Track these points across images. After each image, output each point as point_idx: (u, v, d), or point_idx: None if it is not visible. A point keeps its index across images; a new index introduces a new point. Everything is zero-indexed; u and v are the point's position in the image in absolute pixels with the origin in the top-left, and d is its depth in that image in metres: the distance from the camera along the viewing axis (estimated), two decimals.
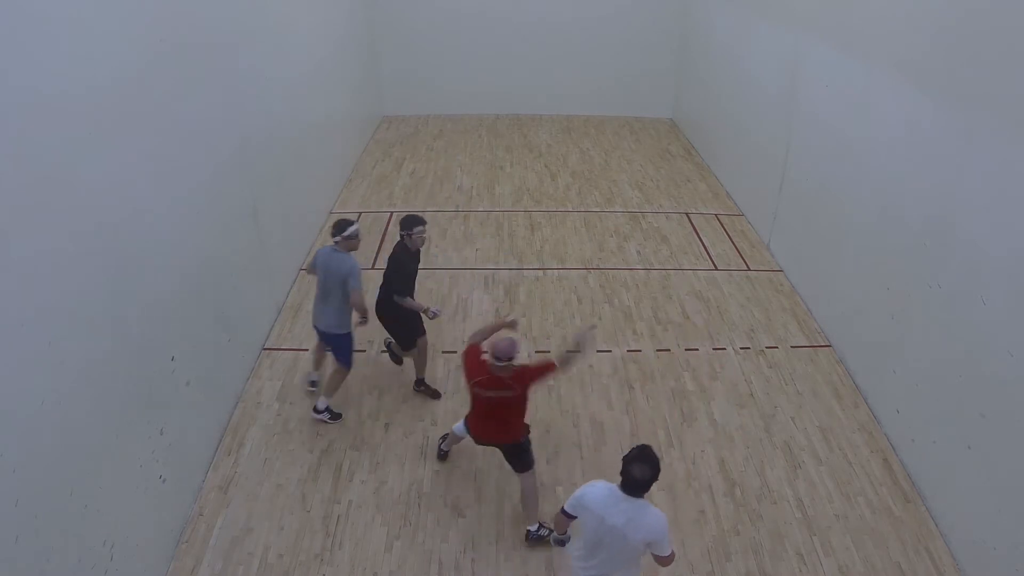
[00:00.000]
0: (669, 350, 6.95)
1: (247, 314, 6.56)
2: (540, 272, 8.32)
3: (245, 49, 6.48)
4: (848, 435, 5.96)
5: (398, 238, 5.91)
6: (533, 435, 5.89)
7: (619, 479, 3.67)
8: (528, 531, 4.98)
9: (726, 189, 10.53)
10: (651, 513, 3.66)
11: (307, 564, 4.83)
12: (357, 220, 5.77)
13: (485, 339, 5.00)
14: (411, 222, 5.82)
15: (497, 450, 5.10)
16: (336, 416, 6.05)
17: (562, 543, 4.37)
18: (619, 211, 9.83)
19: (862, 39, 6.48)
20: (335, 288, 5.60)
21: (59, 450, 3.69)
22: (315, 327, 5.93)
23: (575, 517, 3.91)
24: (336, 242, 5.57)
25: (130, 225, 4.44)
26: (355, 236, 5.61)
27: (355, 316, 5.75)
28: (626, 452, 3.70)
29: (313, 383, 6.33)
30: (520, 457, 4.97)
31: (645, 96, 13.62)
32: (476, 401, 4.85)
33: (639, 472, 3.59)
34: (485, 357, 4.64)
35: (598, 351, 6.91)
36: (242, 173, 6.37)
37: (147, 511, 4.57)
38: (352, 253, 5.64)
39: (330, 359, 6.10)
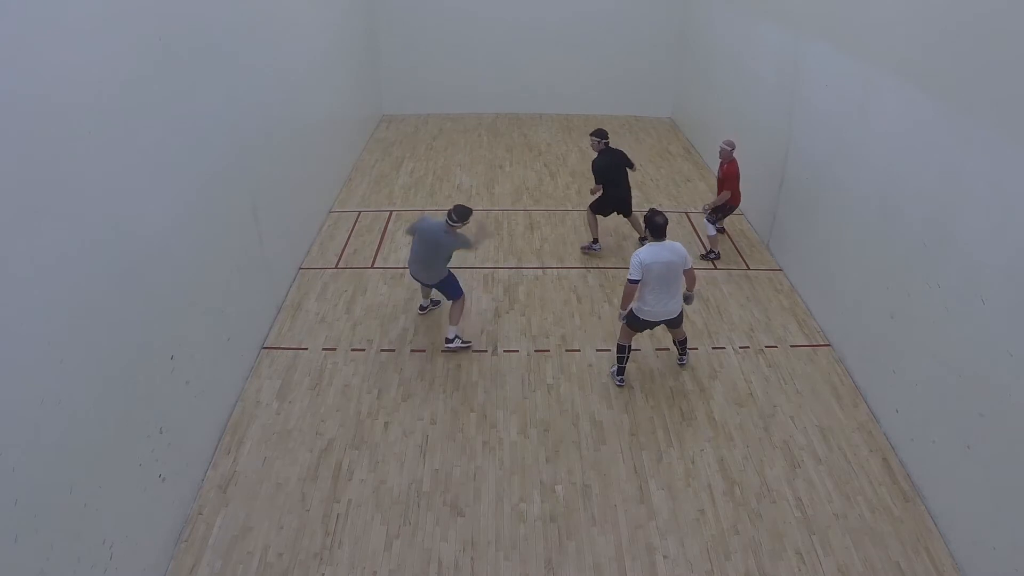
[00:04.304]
0: (668, 349, 6.95)
1: (247, 313, 6.56)
2: (540, 271, 8.32)
3: (245, 48, 6.48)
4: (847, 434, 5.97)
5: (601, 147, 8.17)
6: (532, 435, 5.92)
7: (647, 240, 6.00)
8: None
9: None
10: (677, 244, 5.97)
11: (306, 563, 4.83)
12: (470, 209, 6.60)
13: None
14: (603, 132, 8.31)
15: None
16: (467, 344, 6.80)
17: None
18: None
19: (862, 38, 6.48)
20: (438, 258, 6.54)
21: (59, 449, 3.70)
22: (416, 279, 6.84)
23: (639, 279, 5.88)
24: (453, 225, 6.44)
25: (130, 224, 4.44)
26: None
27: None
28: (645, 215, 6.02)
29: (423, 307, 7.40)
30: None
31: (645, 96, 13.62)
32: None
33: (662, 219, 5.90)
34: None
35: (597, 350, 6.92)
36: (242, 173, 6.37)
37: (147, 510, 4.57)
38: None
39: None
